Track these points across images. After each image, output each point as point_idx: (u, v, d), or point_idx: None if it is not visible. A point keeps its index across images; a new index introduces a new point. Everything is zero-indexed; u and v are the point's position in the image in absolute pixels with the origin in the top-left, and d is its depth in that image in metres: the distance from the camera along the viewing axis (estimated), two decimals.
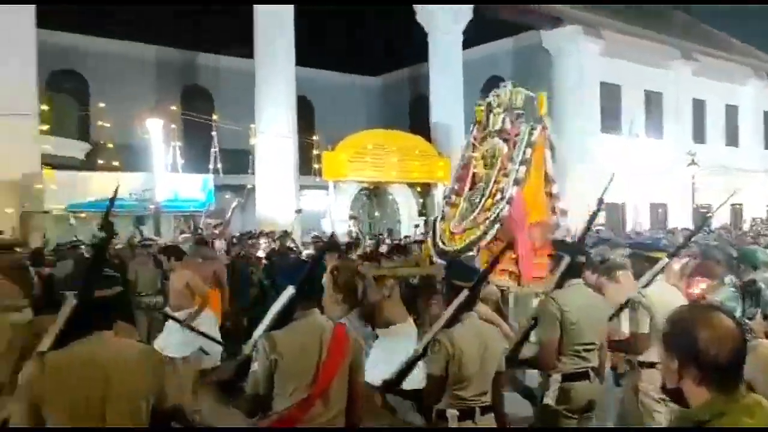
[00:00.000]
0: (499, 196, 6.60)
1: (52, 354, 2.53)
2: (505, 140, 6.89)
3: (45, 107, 12.91)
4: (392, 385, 3.42)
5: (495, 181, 6.75)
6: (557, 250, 4.16)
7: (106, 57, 19.18)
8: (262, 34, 15.70)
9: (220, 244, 10.49)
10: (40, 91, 13.01)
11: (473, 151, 7.20)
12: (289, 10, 15.75)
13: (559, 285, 3.88)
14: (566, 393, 3.74)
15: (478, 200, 6.84)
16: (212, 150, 15.68)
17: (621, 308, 4.21)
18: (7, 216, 10.60)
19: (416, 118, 22.85)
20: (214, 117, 16.67)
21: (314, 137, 18.72)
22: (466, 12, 18.36)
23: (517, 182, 6.57)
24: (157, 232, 11.63)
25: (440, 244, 6.90)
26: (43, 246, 9.28)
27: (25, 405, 2.42)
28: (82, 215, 11.37)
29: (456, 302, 3.38)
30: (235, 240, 11.27)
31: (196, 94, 21.62)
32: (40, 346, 2.60)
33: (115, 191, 3.18)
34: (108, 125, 13.83)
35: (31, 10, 12.14)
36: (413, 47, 19.81)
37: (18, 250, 8.23)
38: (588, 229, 4.33)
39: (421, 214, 17.84)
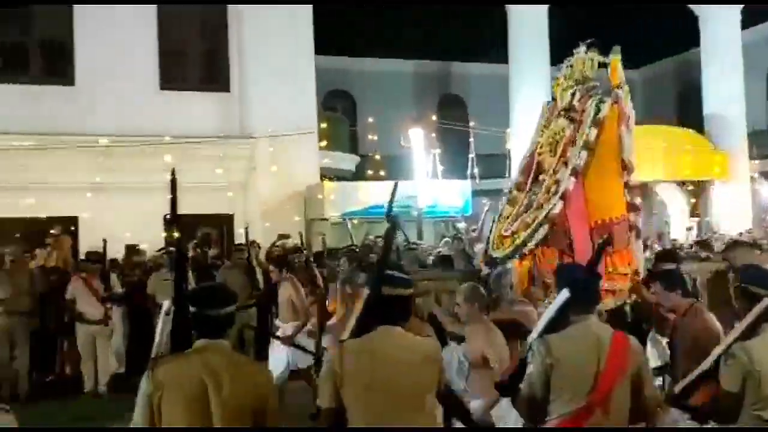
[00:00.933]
0: (554, 189, 5.27)
1: (348, 342, 2.90)
2: (572, 120, 5.49)
3: (323, 125, 14.46)
4: (679, 398, 3.20)
5: (554, 171, 5.40)
6: None
7: (371, 75, 20.84)
8: (516, 38, 15.72)
9: (479, 248, 10.70)
10: (318, 111, 14.59)
11: (541, 136, 5.81)
12: (542, 11, 15.56)
13: None
14: None
15: (536, 196, 5.52)
16: (469, 156, 16.11)
17: None
18: (296, 223, 12.08)
19: (685, 111, 20.95)
20: (471, 123, 17.12)
21: None
22: None
23: (575, 172, 5.16)
24: (420, 237, 12.26)
25: (490, 249, 5.62)
26: (324, 250, 10.36)
27: (329, 385, 2.80)
28: (355, 221, 12.44)
29: (755, 312, 3.04)
30: None
31: (451, 102, 22.41)
32: (341, 335, 2.97)
33: (393, 191, 3.43)
34: (375, 138, 15.03)
35: (310, 40, 13.68)
36: (679, 34, 18.16)
37: (304, 252, 9.37)
38: None
39: (693, 215, 16.26)
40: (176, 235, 3.63)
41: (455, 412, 3.18)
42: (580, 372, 2.90)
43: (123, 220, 10.88)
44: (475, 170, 16.92)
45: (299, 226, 11.78)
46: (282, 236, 10.84)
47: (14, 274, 8.09)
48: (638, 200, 5.52)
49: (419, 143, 13.92)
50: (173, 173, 3.23)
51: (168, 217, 11.79)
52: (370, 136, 15.89)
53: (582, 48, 5.71)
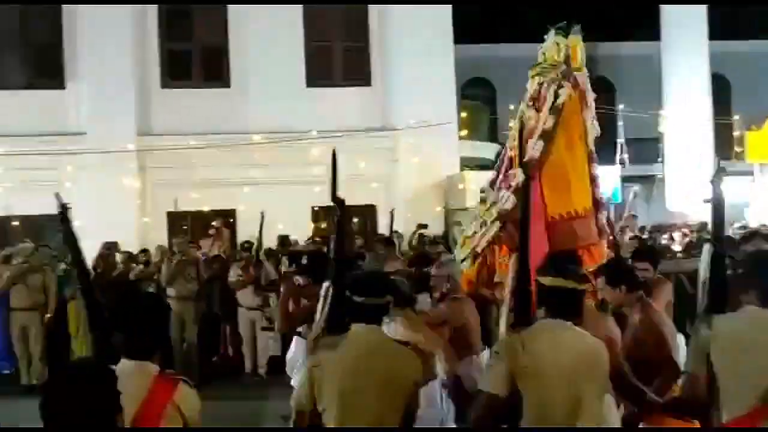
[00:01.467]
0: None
1: (525, 334, 2.81)
2: (537, 110, 5.05)
3: (463, 114, 14.40)
4: None
5: (515, 165, 4.95)
6: None
7: (510, 61, 20.36)
8: (669, 11, 14.71)
9: (628, 237, 10.17)
10: (458, 100, 14.55)
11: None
12: None
13: None
14: None
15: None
16: (618, 141, 15.36)
17: None
18: (437, 213, 12.16)
19: None
20: (620, 106, 16.30)
21: (734, 117, 16.76)
22: None
23: (529, 164, 4.65)
24: None
25: (456, 249, 5.30)
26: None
27: (503, 371, 2.74)
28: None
29: None
30: (646, 233, 10.80)
31: (596, 85, 21.32)
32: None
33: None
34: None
35: (449, 30, 13.65)
36: None
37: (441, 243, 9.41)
38: None
39: None
40: (325, 225, 3.78)
41: (627, 392, 3.07)
42: (753, 362, 2.64)
43: (276, 212, 11.49)
44: (624, 155, 16.09)
45: (440, 216, 11.84)
46: (421, 226, 10.97)
47: (182, 263, 8.84)
48: (602, 195, 5.08)
49: None
50: (334, 153, 3.34)
51: (316, 208, 12.41)
52: (510, 124, 15.61)
53: (553, 32, 5.35)
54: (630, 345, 3.57)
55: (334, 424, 2.76)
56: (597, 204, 5.00)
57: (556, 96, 5.00)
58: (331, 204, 3.42)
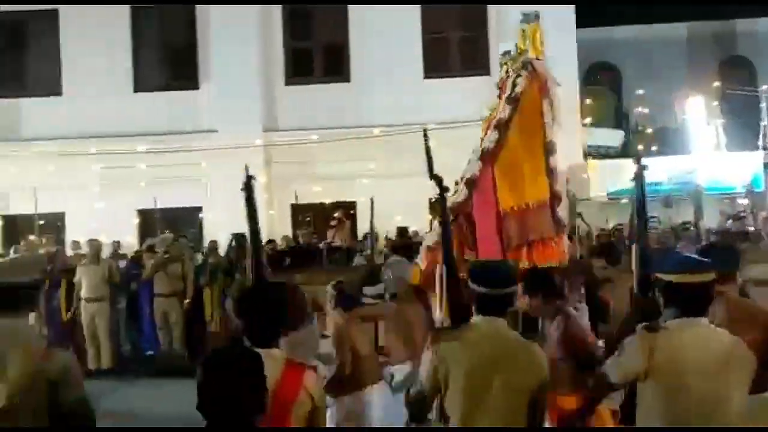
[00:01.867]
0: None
1: (661, 333, 2.71)
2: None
3: (587, 101, 13.84)
4: None
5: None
6: None
7: (637, 44, 19.32)
8: None
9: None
10: (581, 86, 14.00)
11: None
12: None
13: None
14: None
15: None
16: (761, 124, 14.13)
17: None
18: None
19: None
20: (763, 87, 14.99)
21: None
22: None
23: (483, 155, 4.64)
24: (700, 216, 11.16)
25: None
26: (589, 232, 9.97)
27: (632, 370, 2.70)
28: (623, 201, 11.75)
29: None
30: None
31: (734, 65, 19.84)
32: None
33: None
34: (645, 111, 14.01)
35: (571, 14, 13.14)
36: None
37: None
38: None
39: None
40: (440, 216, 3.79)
41: None
42: None
43: (394, 203, 11.64)
44: None
45: (563, 208, 11.45)
46: None
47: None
48: (560, 188, 4.83)
49: (698, 113, 12.62)
50: (425, 132, 3.37)
51: (432, 199, 12.41)
52: (640, 109, 14.83)
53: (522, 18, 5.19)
54: (552, 363, 3.19)
55: (459, 419, 2.74)
56: (555, 197, 4.89)
57: (515, 85, 4.95)
58: (446, 194, 3.44)
